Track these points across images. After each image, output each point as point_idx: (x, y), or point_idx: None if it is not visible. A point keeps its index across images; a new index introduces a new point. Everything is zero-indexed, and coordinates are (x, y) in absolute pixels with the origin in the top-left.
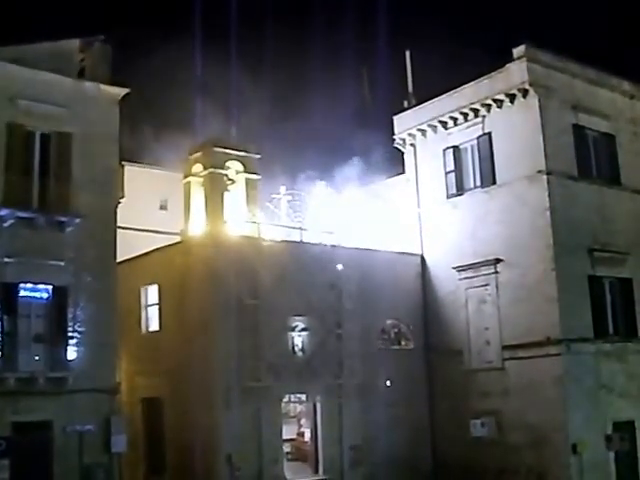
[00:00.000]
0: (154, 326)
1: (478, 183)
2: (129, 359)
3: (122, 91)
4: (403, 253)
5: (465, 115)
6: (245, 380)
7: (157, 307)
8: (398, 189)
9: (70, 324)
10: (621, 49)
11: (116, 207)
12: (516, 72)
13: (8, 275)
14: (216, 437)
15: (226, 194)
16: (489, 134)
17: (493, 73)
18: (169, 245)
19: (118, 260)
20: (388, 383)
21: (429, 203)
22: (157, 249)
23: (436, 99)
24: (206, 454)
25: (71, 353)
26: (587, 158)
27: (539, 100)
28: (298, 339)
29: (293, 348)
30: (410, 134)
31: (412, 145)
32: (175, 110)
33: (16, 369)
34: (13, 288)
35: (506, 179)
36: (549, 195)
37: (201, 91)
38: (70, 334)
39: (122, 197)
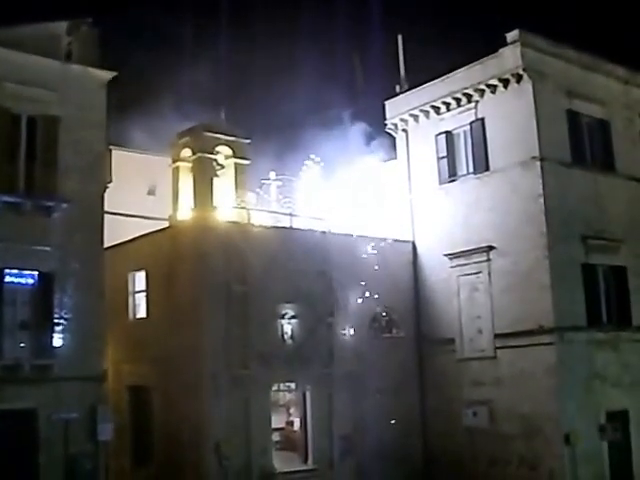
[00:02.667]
0: (141, 313)
1: (471, 169)
2: (116, 346)
3: (110, 74)
4: (395, 240)
5: (458, 100)
6: (234, 368)
7: (145, 294)
8: (390, 175)
9: (56, 311)
10: (616, 34)
11: (103, 192)
12: (510, 57)
13: None
14: (204, 426)
15: (215, 179)
16: (482, 120)
17: (486, 58)
18: (157, 231)
19: (105, 246)
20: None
21: (421, 189)
22: (145, 235)
23: (428, 84)
24: (193, 443)
25: (57, 340)
26: (581, 144)
27: (533, 85)
28: (288, 327)
29: (282, 336)
30: (402, 119)
31: (404, 130)
32: (164, 94)
33: (1, 356)
34: None
35: (499, 165)
36: (542, 182)
37: (190, 74)
38: (56, 321)
39: (110, 182)
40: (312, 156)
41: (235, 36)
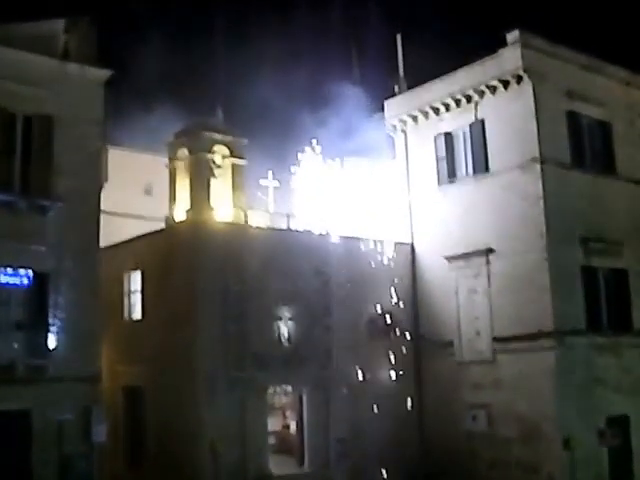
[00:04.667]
0: (137, 313)
1: (470, 171)
2: (111, 347)
3: (107, 73)
4: (393, 242)
5: (457, 101)
6: (230, 370)
7: (140, 294)
8: (389, 175)
9: (51, 311)
10: (618, 36)
11: (99, 191)
12: (510, 58)
13: None
14: (199, 428)
15: (212, 180)
16: (482, 121)
17: (486, 59)
18: (153, 232)
19: (101, 246)
20: None
21: (420, 190)
22: (141, 235)
23: (428, 84)
24: (188, 445)
25: (52, 340)
26: (581, 146)
27: (533, 86)
28: (284, 328)
29: (279, 337)
30: (401, 120)
31: (403, 131)
32: (161, 93)
33: None
34: None
35: (499, 167)
36: (542, 183)
37: (187, 73)
38: (51, 321)
39: (106, 181)
40: (310, 149)
41: (232, 35)
